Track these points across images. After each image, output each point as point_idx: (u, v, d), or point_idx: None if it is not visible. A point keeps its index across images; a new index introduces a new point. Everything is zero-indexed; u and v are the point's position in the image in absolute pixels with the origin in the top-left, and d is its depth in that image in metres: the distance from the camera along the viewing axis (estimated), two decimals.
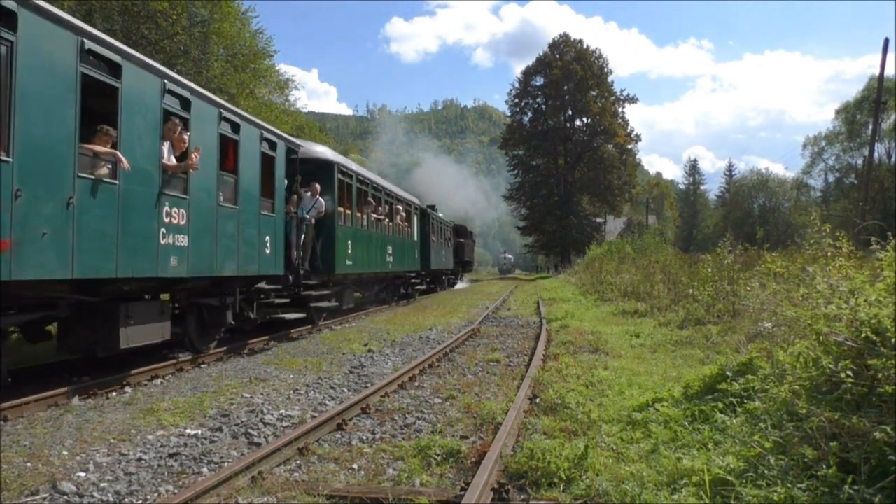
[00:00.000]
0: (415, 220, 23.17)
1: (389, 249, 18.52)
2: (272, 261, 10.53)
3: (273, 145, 10.78)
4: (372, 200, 16.81)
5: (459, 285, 38.82)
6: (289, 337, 11.87)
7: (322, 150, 14.29)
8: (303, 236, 12.08)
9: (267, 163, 10.52)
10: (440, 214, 30.95)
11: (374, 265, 16.75)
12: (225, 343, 10.10)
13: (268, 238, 10.35)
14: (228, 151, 9.44)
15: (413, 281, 23.35)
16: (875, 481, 2.97)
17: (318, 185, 12.82)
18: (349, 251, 14.34)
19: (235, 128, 9.38)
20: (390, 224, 19.00)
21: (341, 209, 14.12)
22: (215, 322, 9.46)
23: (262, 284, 10.72)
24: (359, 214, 15.64)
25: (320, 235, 12.92)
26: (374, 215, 17.08)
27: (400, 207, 20.65)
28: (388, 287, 20.31)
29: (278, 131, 11.23)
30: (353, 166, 15.77)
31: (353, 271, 14.82)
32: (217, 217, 8.75)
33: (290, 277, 11.46)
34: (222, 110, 9.02)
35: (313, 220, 12.42)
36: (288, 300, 11.75)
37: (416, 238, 23.18)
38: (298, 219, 11.89)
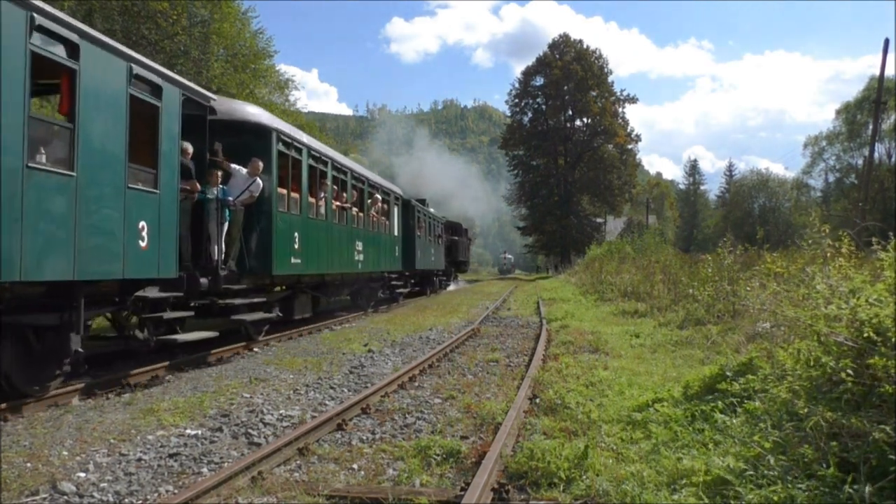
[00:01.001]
0: (395, 212, 19.81)
1: (359, 245, 15.30)
2: (151, 258, 7.50)
3: (157, 90, 7.66)
4: (333, 185, 13.66)
5: (452, 287, 35.19)
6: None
7: (256, 112, 10.65)
8: (226, 226, 9.38)
9: (143, 114, 7.45)
10: (431, 210, 28.17)
11: (337, 264, 13.71)
12: (86, 376, 7.44)
13: (143, 224, 7.31)
14: (61, 87, 6.40)
15: (395, 283, 20.24)
16: (875, 481, 2.97)
17: (260, 163, 9.84)
18: (295, 246, 11.21)
19: (72, 50, 6.21)
20: (360, 215, 15.73)
21: (283, 191, 10.94)
22: (52, 350, 6.52)
23: (147, 291, 7.76)
24: (312, 200, 12.28)
25: (254, 226, 10.07)
26: (337, 203, 13.77)
27: (378, 197, 17.72)
28: (361, 290, 17.11)
29: (168, 72, 7.97)
30: (305, 138, 12.18)
31: (303, 272, 11.74)
32: (22, 186, 5.50)
33: (205, 281, 8.69)
34: (36, 15, 5.72)
35: (242, 207, 9.64)
36: (191, 312, 8.81)
37: (396, 233, 19.87)
38: (218, 202, 9.10)
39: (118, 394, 6.94)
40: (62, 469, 4.39)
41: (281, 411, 6.09)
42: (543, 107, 63.90)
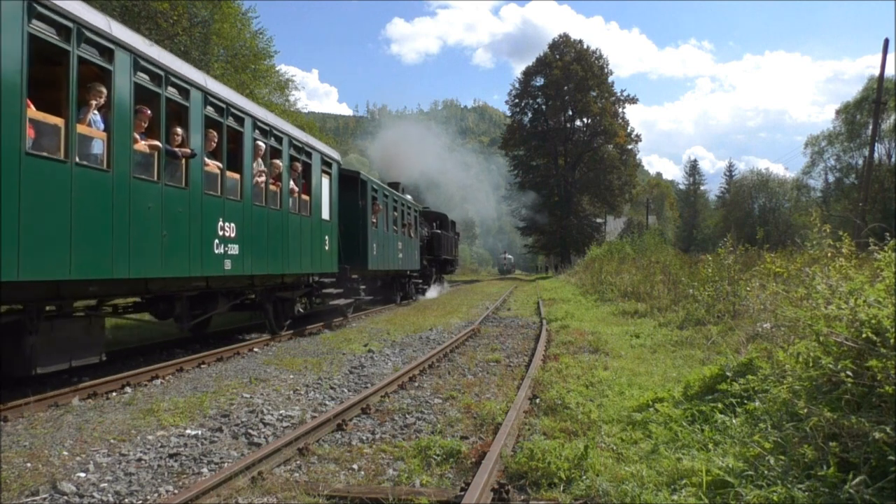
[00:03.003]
0: (325, 184, 13.15)
1: (226, 230, 9.06)
2: None
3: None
4: (135, 102, 7.12)
5: (433, 293, 26.67)
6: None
7: None
8: None
9: None
10: (408, 197, 23.04)
11: (158, 263, 7.51)
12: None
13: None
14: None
15: (327, 291, 13.39)
16: (875, 481, 2.97)
17: None
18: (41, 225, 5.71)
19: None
20: (234, 178, 9.39)
21: None
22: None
23: None
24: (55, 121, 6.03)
25: None
26: (150, 143, 7.45)
27: (285, 156, 11.07)
28: (245, 304, 11.07)
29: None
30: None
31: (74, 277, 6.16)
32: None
33: None
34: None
35: None
36: None
37: (326, 216, 13.12)
38: None
39: (118, 394, 6.94)
40: (62, 469, 4.39)
41: (281, 411, 6.09)
42: (543, 107, 63.96)
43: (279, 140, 10.92)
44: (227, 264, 9.15)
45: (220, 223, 8.99)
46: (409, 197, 23.46)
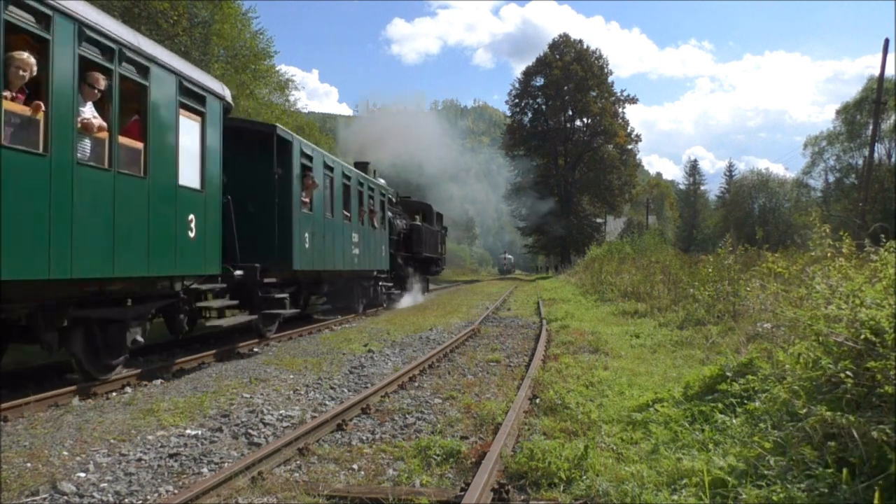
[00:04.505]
0: (188, 130, 8.01)
1: None
2: None
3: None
4: None
5: (407, 301, 20.74)
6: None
7: None
8: None
9: None
10: (380, 181, 18.64)
11: None
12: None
13: None
14: None
15: (205, 304, 9.21)
16: (875, 481, 2.97)
17: None
18: None
19: None
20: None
21: None
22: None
23: None
24: None
25: None
26: None
27: (65, 52, 5.86)
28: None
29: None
30: None
31: None
32: None
33: None
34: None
35: None
36: None
37: (191, 181, 8.03)
38: None
39: (118, 394, 6.94)
40: (62, 469, 4.39)
41: (281, 411, 6.09)
42: (543, 107, 63.99)
43: (43, 20, 5.62)
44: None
45: None
46: (381, 181, 18.73)
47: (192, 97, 8.10)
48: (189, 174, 8.00)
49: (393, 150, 30.83)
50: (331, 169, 13.53)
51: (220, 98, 8.92)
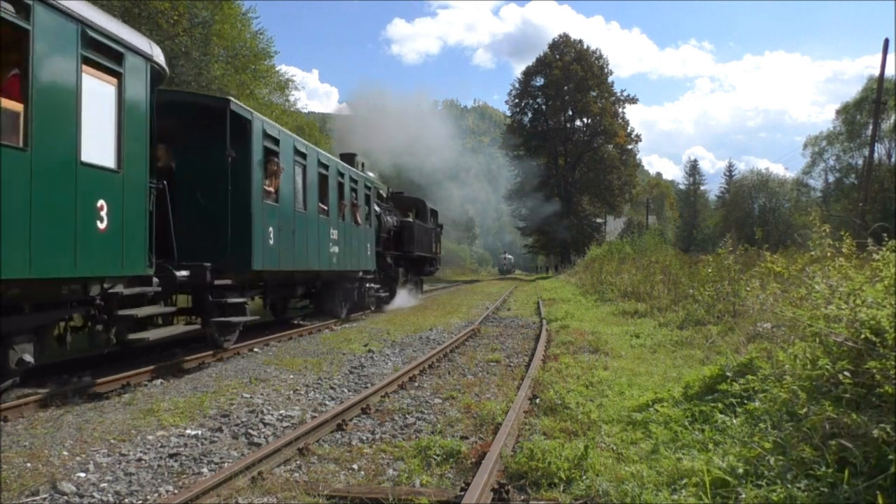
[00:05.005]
0: (91, 91, 6.12)
1: None
2: None
3: None
4: None
5: (398, 302, 19.59)
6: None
7: None
8: None
9: None
10: (370, 174, 17.48)
11: None
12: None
13: None
14: None
15: (128, 313, 7.03)
16: (874, 480, 2.97)
17: None
18: None
19: None
20: None
21: None
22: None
23: None
24: None
25: None
26: None
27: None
28: None
29: None
30: None
31: None
32: None
33: None
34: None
35: None
36: None
37: (106, 159, 6.38)
38: None
39: (118, 394, 6.94)
40: (62, 469, 4.39)
41: (281, 411, 6.09)
42: (543, 107, 64.00)
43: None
44: None
45: None
46: (371, 174, 17.53)
47: (102, 52, 6.33)
48: (97, 150, 6.27)
49: (393, 148, 29.51)
50: (303, 156, 11.68)
51: (146, 58, 7.08)
